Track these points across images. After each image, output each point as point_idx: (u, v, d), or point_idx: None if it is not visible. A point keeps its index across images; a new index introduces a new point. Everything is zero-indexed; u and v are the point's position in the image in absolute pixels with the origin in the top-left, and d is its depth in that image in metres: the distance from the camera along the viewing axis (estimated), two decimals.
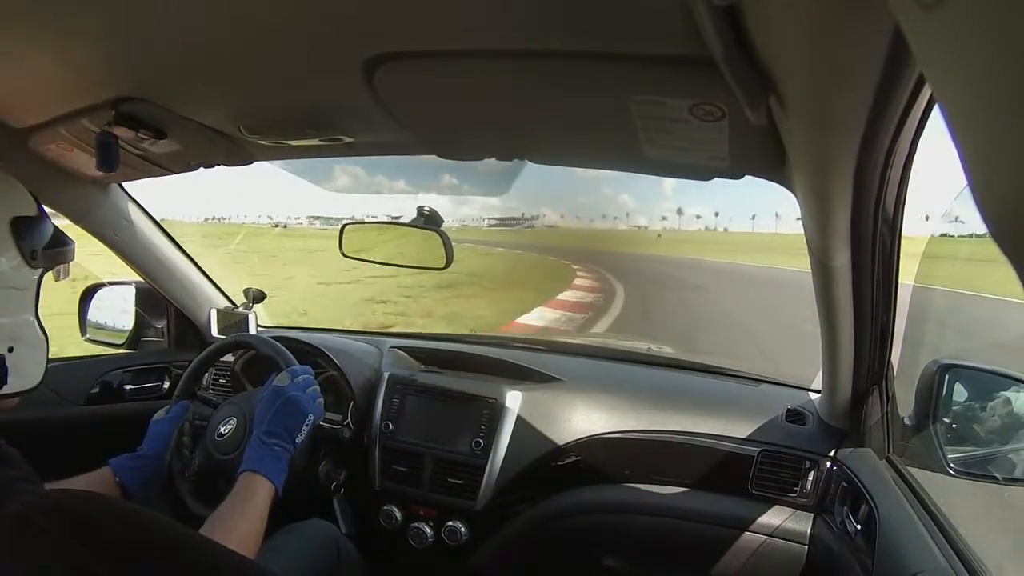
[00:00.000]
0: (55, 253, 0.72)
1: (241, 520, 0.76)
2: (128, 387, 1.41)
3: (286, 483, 0.85)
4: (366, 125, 0.79)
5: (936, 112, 0.42)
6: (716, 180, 0.77)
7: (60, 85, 0.75)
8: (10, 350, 0.68)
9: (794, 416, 1.13)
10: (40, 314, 0.73)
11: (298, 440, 0.89)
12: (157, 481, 0.99)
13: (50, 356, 0.75)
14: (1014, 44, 0.15)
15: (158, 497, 1.06)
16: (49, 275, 0.75)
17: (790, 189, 0.71)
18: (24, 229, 0.68)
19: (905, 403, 0.94)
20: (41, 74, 0.72)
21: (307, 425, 0.91)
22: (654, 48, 0.51)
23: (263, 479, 0.81)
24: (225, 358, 1.32)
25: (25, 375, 0.69)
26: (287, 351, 1.06)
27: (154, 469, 0.97)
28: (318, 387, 0.98)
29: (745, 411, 1.15)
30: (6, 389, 0.68)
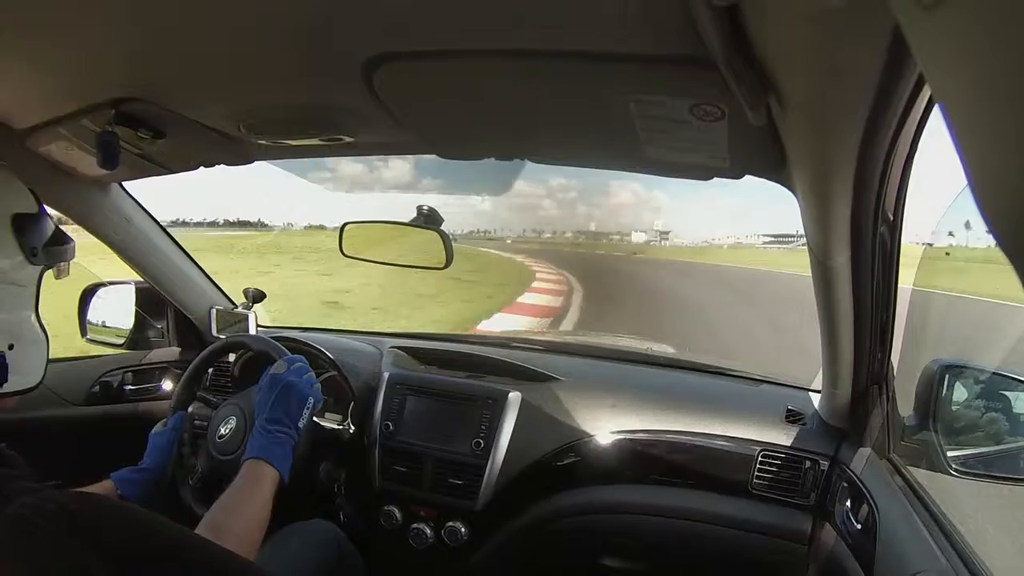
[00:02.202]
0: (55, 251, 0.72)
1: (246, 505, 0.75)
2: (128, 387, 1.42)
3: (288, 478, 0.85)
4: (366, 125, 0.79)
5: (936, 112, 0.42)
6: None
7: (60, 85, 0.75)
8: (10, 347, 0.67)
9: (794, 416, 1.13)
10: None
11: (300, 424, 0.88)
12: (158, 494, 0.99)
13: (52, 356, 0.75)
14: (1014, 44, 0.15)
15: (160, 509, 1.06)
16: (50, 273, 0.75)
17: (790, 189, 0.71)
18: (24, 226, 0.68)
19: (905, 403, 0.94)
20: (41, 74, 0.72)
21: (308, 408, 0.90)
22: (654, 48, 0.51)
23: (267, 466, 0.80)
24: (223, 359, 1.32)
25: (25, 374, 0.69)
26: (278, 344, 1.06)
27: (155, 482, 0.97)
28: (313, 373, 0.97)
29: (745, 411, 1.15)
30: (6, 387, 0.67)
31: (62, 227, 0.75)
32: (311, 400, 0.91)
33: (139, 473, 0.95)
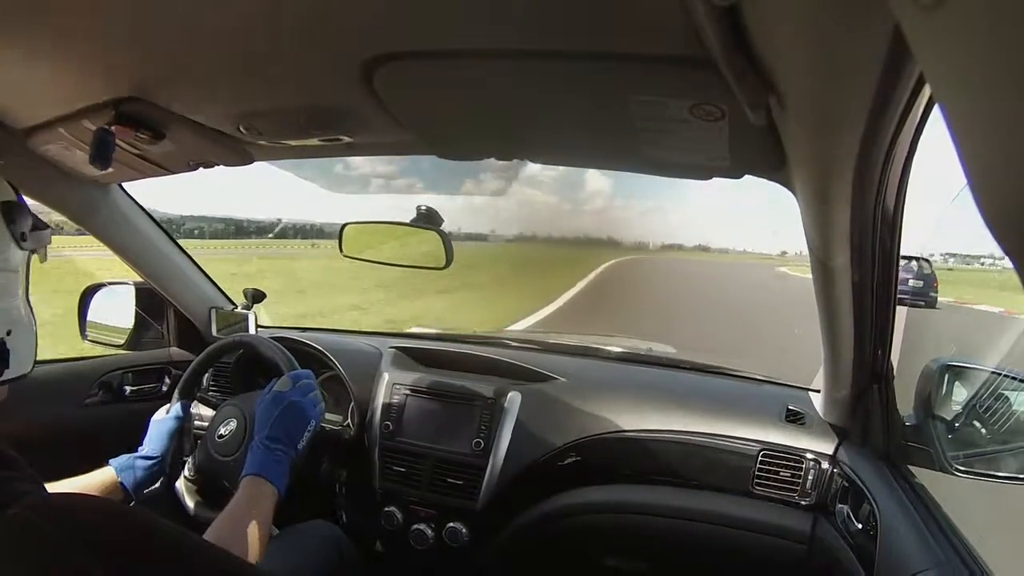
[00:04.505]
0: (38, 235, 0.71)
1: (247, 523, 0.76)
2: (128, 387, 1.41)
3: (288, 485, 0.86)
4: (366, 125, 0.79)
5: (936, 112, 0.42)
6: None
7: (60, 85, 0.75)
8: (8, 333, 0.67)
9: (794, 416, 1.13)
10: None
11: (300, 446, 0.89)
12: (158, 481, 0.99)
13: (52, 357, 0.75)
14: (1014, 44, 0.15)
15: (159, 497, 1.06)
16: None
17: (790, 189, 0.71)
18: (12, 212, 0.68)
19: (905, 403, 0.94)
20: (41, 74, 0.72)
21: (309, 431, 0.91)
22: (654, 48, 0.51)
23: (266, 483, 0.82)
24: (225, 358, 1.32)
25: (20, 360, 0.68)
26: (289, 354, 1.06)
27: (155, 469, 0.98)
28: (319, 392, 0.98)
29: (745, 411, 1.15)
30: (6, 374, 0.67)
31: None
32: (313, 422, 0.92)
33: (140, 460, 0.96)
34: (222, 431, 1.05)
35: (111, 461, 0.95)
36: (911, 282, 5.68)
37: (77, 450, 1.04)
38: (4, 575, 0.45)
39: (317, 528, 1.13)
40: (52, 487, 0.84)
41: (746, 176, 0.75)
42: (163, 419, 1.03)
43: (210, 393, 1.38)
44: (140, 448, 0.99)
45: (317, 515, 1.19)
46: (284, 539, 1.05)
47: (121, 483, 0.93)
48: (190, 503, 1.03)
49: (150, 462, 0.97)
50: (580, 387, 1.25)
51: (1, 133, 0.92)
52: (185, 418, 1.06)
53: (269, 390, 0.95)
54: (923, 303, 5.95)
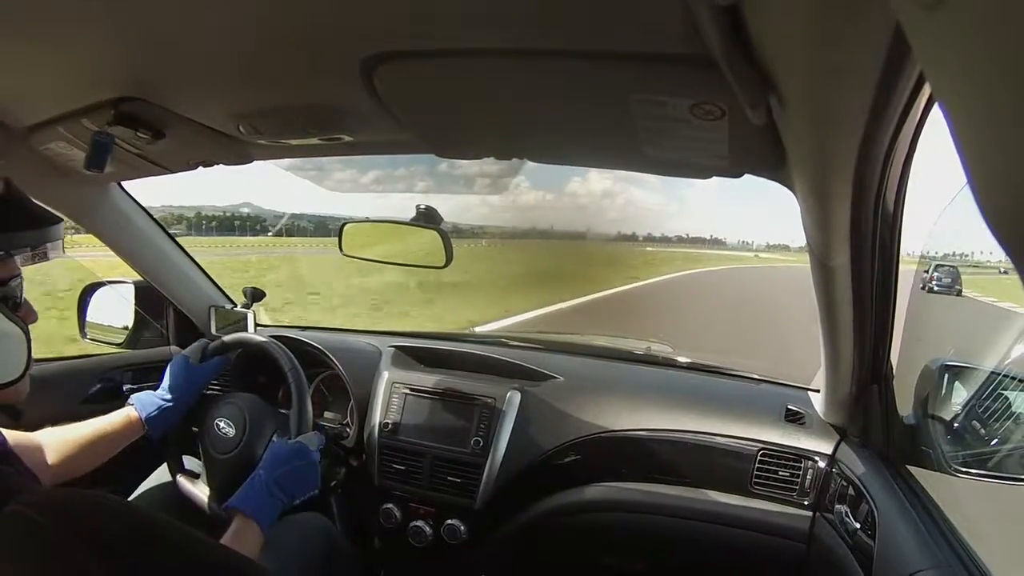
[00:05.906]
0: (13, 236, 0.68)
1: None
2: (128, 387, 1.41)
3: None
4: (365, 124, 0.79)
5: (936, 112, 0.42)
6: None
7: (60, 85, 0.75)
8: None
9: (793, 415, 1.13)
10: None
11: (296, 502, 0.92)
12: (174, 425, 1.05)
13: (54, 356, 0.74)
14: (1014, 44, 0.15)
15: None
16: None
17: (790, 188, 0.71)
18: None
19: (905, 402, 0.94)
20: (41, 74, 0.72)
21: (309, 494, 0.94)
22: (654, 48, 0.51)
23: (256, 527, 0.84)
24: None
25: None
26: (309, 408, 1.08)
27: (178, 416, 1.03)
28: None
29: (745, 410, 1.15)
30: None
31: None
32: (315, 490, 0.96)
33: (163, 404, 1.00)
34: (221, 426, 1.06)
35: (132, 398, 0.99)
36: (944, 280, 8.37)
37: None
38: (3, 573, 0.45)
39: (310, 520, 1.13)
40: (74, 426, 0.90)
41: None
42: (195, 368, 1.07)
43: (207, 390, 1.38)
44: (164, 386, 1.03)
45: (310, 508, 1.19)
46: (278, 531, 1.05)
47: (143, 423, 0.97)
48: (172, 467, 1.10)
49: (174, 406, 1.02)
50: (579, 386, 1.25)
51: (1, 133, 0.92)
52: (213, 374, 1.12)
53: (287, 439, 0.98)
54: (954, 293, 8.79)
